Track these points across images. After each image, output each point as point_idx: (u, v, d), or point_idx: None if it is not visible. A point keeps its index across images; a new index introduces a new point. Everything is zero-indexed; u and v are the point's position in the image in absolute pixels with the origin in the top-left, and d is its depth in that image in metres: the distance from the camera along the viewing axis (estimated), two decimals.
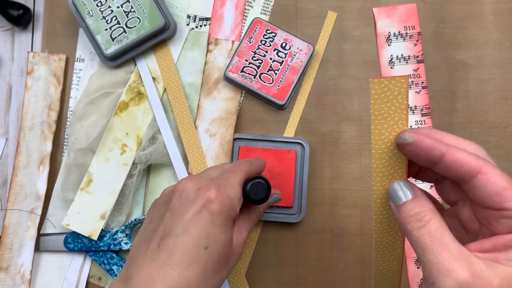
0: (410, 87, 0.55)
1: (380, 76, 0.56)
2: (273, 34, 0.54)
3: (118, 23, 0.53)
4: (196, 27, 0.56)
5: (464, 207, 0.31)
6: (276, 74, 0.54)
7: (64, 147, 0.54)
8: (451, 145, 0.28)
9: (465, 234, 0.31)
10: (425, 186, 0.53)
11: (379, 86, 0.29)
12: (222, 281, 0.36)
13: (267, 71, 0.54)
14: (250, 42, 0.54)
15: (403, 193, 0.30)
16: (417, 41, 0.56)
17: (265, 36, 0.54)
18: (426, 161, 0.29)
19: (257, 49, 0.54)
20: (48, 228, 0.52)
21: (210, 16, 0.56)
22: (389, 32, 0.56)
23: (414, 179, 0.34)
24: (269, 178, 0.52)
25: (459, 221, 0.31)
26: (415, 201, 0.29)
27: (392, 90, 0.29)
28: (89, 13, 0.53)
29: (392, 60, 0.56)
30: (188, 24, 0.56)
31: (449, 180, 0.32)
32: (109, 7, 0.53)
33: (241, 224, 0.39)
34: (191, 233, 0.34)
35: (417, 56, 0.55)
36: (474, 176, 0.27)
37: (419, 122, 0.54)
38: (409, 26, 0.56)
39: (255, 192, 0.38)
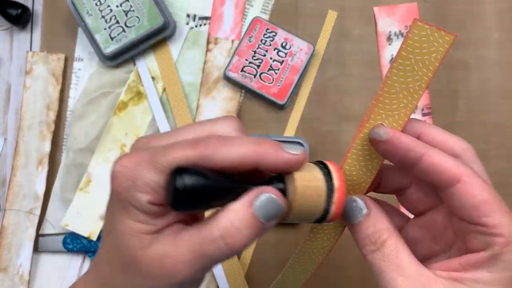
0: None
1: (382, 75, 0.55)
2: (273, 34, 0.54)
3: (117, 22, 0.52)
4: (196, 26, 0.56)
5: (437, 215, 0.28)
6: (276, 73, 0.53)
7: (63, 147, 0.54)
8: (433, 145, 0.26)
9: (434, 245, 0.28)
10: None
11: (419, 32, 0.25)
12: None
13: (267, 71, 0.53)
14: (250, 42, 0.54)
15: (359, 209, 0.27)
16: None
17: (265, 36, 0.54)
18: (401, 163, 0.26)
19: (257, 49, 0.54)
20: (47, 229, 0.52)
21: (209, 15, 0.56)
22: (390, 31, 0.56)
23: (373, 192, 0.31)
24: None
25: (429, 231, 0.29)
26: (369, 219, 0.26)
27: (431, 43, 0.25)
28: (88, 12, 0.52)
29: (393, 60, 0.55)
30: (187, 23, 0.56)
31: (414, 190, 0.29)
32: (108, 6, 0.52)
33: (181, 234, 0.25)
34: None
35: None
36: (453, 184, 0.24)
37: None
38: (410, 25, 0.56)
39: (168, 188, 0.23)
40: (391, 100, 0.26)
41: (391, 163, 0.29)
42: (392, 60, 0.25)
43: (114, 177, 0.25)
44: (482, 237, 0.24)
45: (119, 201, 0.25)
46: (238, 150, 0.24)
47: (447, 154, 0.25)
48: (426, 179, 0.26)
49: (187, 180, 0.22)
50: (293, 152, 0.25)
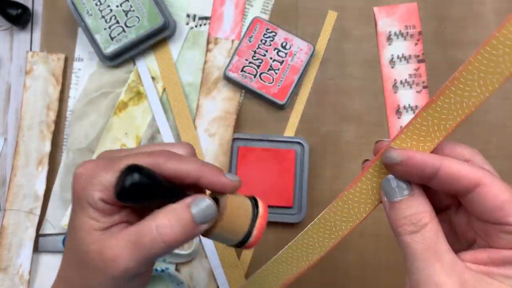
0: (411, 87, 0.55)
1: (382, 75, 0.55)
2: (273, 34, 0.54)
3: (117, 22, 0.52)
4: (196, 26, 0.56)
5: (458, 214, 0.28)
6: (276, 73, 0.53)
7: (63, 147, 0.54)
8: (445, 155, 0.26)
9: (456, 241, 0.28)
10: None
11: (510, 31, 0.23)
12: (92, 287, 0.28)
13: (267, 71, 0.53)
14: (250, 42, 0.54)
15: (400, 188, 0.26)
16: (418, 40, 0.55)
17: (265, 36, 0.54)
18: (420, 179, 0.26)
19: (257, 49, 0.54)
20: (47, 229, 0.52)
21: (209, 15, 0.56)
22: (389, 32, 0.56)
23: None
24: (269, 178, 0.52)
25: (451, 227, 0.29)
26: (412, 200, 0.26)
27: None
28: (88, 12, 0.52)
29: (393, 60, 0.55)
30: (187, 23, 0.56)
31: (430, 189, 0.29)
32: (108, 6, 0.52)
33: (124, 230, 0.28)
34: None
35: (418, 56, 0.55)
36: (473, 189, 0.24)
37: None
38: (410, 26, 0.56)
39: (119, 181, 0.26)
40: (463, 90, 0.25)
41: None
42: (479, 46, 0.24)
43: (74, 177, 0.28)
44: (508, 236, 0.24)
45: (77, 199, 0.28)
46: (186, 165, 0.28)
47: (461, 161, 0.25)
48: (445, 189, 0.26)
49: (136, 176, 0.25)
50: (231, 178, 0.29)
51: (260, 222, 0.30)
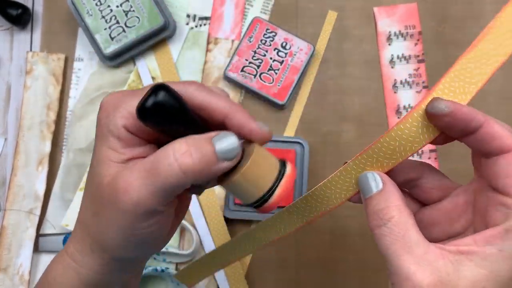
0: (411, 87, 0.55)
1: (382, 75, 0.55)
2: (273, 34, 0.54)
3: (118, 22, 0.52)
4: (196, 26, 0.56)
5: (457, 197, 0.29)
6: (276, 73, 0.53)
7: (63, 147, 0.54)
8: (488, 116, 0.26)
9: (449, 228, 0.29)
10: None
11: None
12: (108, 228, 0.26)
13: (267, 71, 0.53)
14: (250, 42, 0.54)
15: (375, 184, 0.27)
16: (418, 40, 0.56)
17: (265, 36, 0.54)
18: (462, 132, 0.26)
19: (257, 49, 0.54)
20: (47, 229, 0.52)
21: (209, 15, 0.56)
22: (389, 32, 0.56)
23: None
24: None
25: (445, 215, 0.29)
26: (381, 195, 0.27)
27: None
28: (88, 12, 0.52)
29: (393, 60, 0.55)
30: (187, 24, 0.56)
31: (427, 179, 0.30)
32: (109, 6, 0.52)
33: (137, 161, 0.25)
34: None
35: (418, 56, 0.55)
36: (503, 152, 0.25)
37: None
38: (409, 26, 0.56)
39: (144, 99, 0.24)
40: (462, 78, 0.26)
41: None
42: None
43: (100, 106, 0.27)
44: (504, 209, 0.24)
45: (99, 128, 0.26)
46: (216, 99, 0.26)
47: (502, 123, 0.26)
48: (478, 145, 0.26)
49: (161, 94, 0.23)
50: (261, 126, 0.27)
51: (286, 181, 0.26)
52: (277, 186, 0.26)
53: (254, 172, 0.26)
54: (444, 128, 0.26)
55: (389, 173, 0.30)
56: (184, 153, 0.24)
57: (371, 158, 0.28)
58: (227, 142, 0.25)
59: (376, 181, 0.27)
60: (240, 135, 0.26)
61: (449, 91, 0.27)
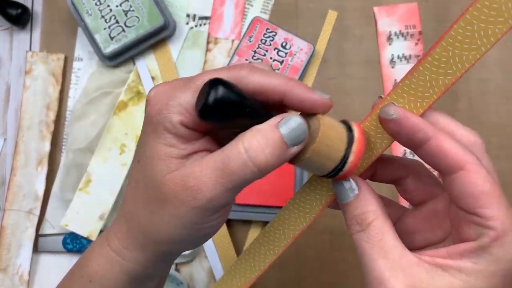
0: None
1: (382, 75, 0.55)
2: (273, 33, 0.54)
3: (117, 22, 0.52)
4: (196, 26, 0.56)
5: (436, 204, 0.28)
6: None
7: (63, 147, 0.54)
8: (443, 131, 0.25)
9: (431, 235, 0.28)
10: None
11: None
12: (169, 223, 0.26)
13: None
14: (250, 41, 0.54)
15: (351, 189, 0.26)
16: (418, 40, 0.55)
17: (265, 35, 0.54)
18: (408, 143, 0.25)
19: (257, 48, 0.54)
20: (47, 229, 0.52)
21: (209, 15, 0.56)
22: (390, 31, 0.56)
23: (369, 180, 0.31)
24: (269, 178, 0.51)
25: (427, 221, 0.29)
26: (357, 200, 0.26)
27: (499, 12, 0.23)
28: (87, 12, 0.52)
29: (393, 60, 0.55)
30: (187, 23, 0.56)
31: (412, 180, 0.29)
32: (108, 6, 0.52)
33: (207, 157, 0.25)
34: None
35: (418, 56, 0.55)
36: (456, 171, 0.24)
37: None
38: (410, 25, 0.56)
39: (200, 97, 0.24)
40: (427, 75, 0.25)
41: (385, 154, 0.29)
42: (450, 26, 0.24)
43: (148, 100, 0.26)
44: (476, 227, 0.24)
45: (151, 124, 0.25)
46: (271, 78, 0.25)
47: (455, 141, 0.24)
48: (430, 162, 0.25)
49: (220, 90, 0.23)
50: (322, 95, 0.26)
51: (357, 146, 0.26)
52: (349, 153, 0.25)
53: (325, 146, 0.25)
54: (392, 134, 0.26)
55: (378, 170, 0.30)
56: (256, 150, 0.24)
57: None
58: (293, 126, 0.24)
59: (352, 186, 0.27)
60: (302, 110, 0.26)
61: (408, 94, 0.26)
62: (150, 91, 0.26)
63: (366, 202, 0.26)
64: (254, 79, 0.25)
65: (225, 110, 0.23)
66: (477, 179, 0.24)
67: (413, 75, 0.25)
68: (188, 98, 0.25)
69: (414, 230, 0.29)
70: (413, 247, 0.26)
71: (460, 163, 0.24)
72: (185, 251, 0.32)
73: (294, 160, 0.26)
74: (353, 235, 0.26)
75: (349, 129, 0.26)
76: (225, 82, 0.23)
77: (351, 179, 0.27)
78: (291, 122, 0.24)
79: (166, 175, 0.25)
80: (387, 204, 0.30)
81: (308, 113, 0.26)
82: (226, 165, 0.24)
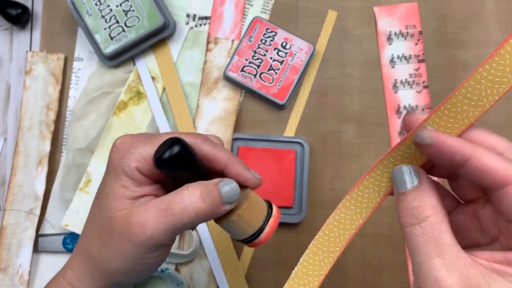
0: (411, 87, 0.55)
1: (382, 75, 0.55)
2: (273, 33, 0.54)
3: (117, 22, 0.52)
4: (196, 26, 0.56)
5: (484, 208, 0.27)
6: (276, 73, 0.53)
7: (63, 147, 0.54)
8: (478, 145, 0.24)
9: (479, 236, 0.28)
10: None
11: None
12: (115, 257, 0.29)
13: (267, 71, 0.53)
14: (250, 41, 0.54)
15: (410, 179, 0.26)
16: (418, 40, 0.55)
17: (265, 35, 0.54)
18: (448, 165, 0.25)
19: (257, 48, 0.54)
20: (47, 229, 0.52)
21: (209, 15, 0.56)
22: (390, 31, 0.56)
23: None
24: (269, 178, 0.52)
25: (476, 220, 0.28)
26: (417, 192, 0.25)
27: None
28: (88, 12, 0.52)
29: (393, 60, 0.55)
30: (187, 23, 0.56)
31: (466, 172, 0.28)
32: (108, 6, 0.52)
33: (154, 200, 0.29)
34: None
35: (418, 56, 0.55)
36: (502, 187, 0.23)
37: None
38: (410, 25, 0.56)
39: (160, 149, 0.29)
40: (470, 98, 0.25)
41: None
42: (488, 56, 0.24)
43: (114, 146, 0.30)
44: None
45: (112, 168, 0.30)
46: (219, 151, 0.31)
47: (495, 155, 0.24)
48: (474, 181, 0.25)
49: (176, 148, 0.28)
50: (255, 176, 0.32)
51: (272, 221, 0.32)
52: (266, 225, 0.31)
53: (249, 214, 0.31)
54: (430, 157, 0.26)
55: (434, 163, 0.29)
56: (198, 198, 0.28)
57: (400, 154, 0.27)
58: (230, 188, 0.30)
59: (411, 176, 0.26)
60: (237, 182, 0.31)
61: (440, 120, 0.26)
62: (117, 139, 0.31)
63: (425, 194, 0.25)
64: (206, 148, 0.31)
65: (176, 164, 0.28)
66: None
67: (451, 101, 0.26)
68: (148, 150, 0.30)
69: (463, 227, 0.28)
70: (460, 244, 0.25)
71: (506, 180, 0.23)
72: (134, 282, 0.34)
73: (221, 220, 0.31)
74: (405, 228, 0.25)
75: (270, 207, 0.32)
76: (184, 143, 0.29)
77: (412, 169, 0.26)
78: (230, 185, 0.30)
79: (116, 212, 0.29)
80: (444, 195, 0.30)
81: (241, 186, 0.31)
82: (169, 206, 0.28)
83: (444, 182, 0.31)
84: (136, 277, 0.32)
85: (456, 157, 0.24)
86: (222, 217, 0.31)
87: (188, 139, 0.30)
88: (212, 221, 0.53)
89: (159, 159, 0.28)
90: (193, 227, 0.30)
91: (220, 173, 0.31)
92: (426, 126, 0.25)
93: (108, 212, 0.29)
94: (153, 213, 0.28)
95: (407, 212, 0.25)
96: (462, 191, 0.29)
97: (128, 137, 0.31)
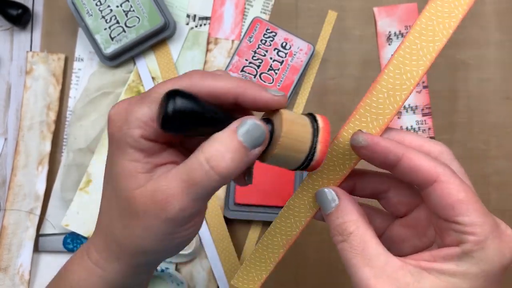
0: None
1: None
2: (273, 34, 0.54)
3: (118, 22, 0.52)
4: (196, 26, 0.56)
5: (419, 212, 0.29)
6: (276, 73, 0.53)
7: (63, 147, 0.54)
8: (412, 148, 0.26)
9: (418, 242, 0.29)
10: None
11: None
12: (143, 237, 0.26)
13: (267, 71, 0.53)
14: (250, 42, 0.54)
15: (332, 199, 0.28)
16: None
17: (265, 36, 0.54)
18: (382, 165, 0.27)
19: (257, 49, 0.54)
20: (47, 229, 0.52)
21: (209, 15, 0.56)
22: (389, 32, 0.56)
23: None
24: (269, 177, 0.52)
25: (412, 229, 0.29)
26: (337, 211, 0.27)
27: (451, 7, 0.26)
28: (88, 12, 0.52)
29: None
30: (187, 24, 0.56)
31: (394, 194, 0.30)
32: (109, 6, 0.52)
33: (172, 170, 0.25)
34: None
35: None
36: (430, 184, 0.25)
37: (419, 122, 0.54)
38: (409, 26, 0.56)
39: (160, 110, 0.24)
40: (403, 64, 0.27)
41: (365, 169, 0.31)
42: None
43: (109, 119, 0.26)
44: (456, 234, 0.25)
45: (114, 142, 0.26)
46: (222, 82, 0.26)
47: (425, 155, 0.26)
48: (405, 179, 0.27)
49: (178, 101, 0.23)
50: (274, 94, 0.26)
51: (322, 135, 0.26)
52: (316, 141, 0.26)
53: (290, 140, 0.25)
54: (365, 158, 0.27)
55: (357, 185, 0.31)
56: (216, 159, 0.24)
57: (319, 174, 0.29)
58: (251, 129, 0.25)
59: (332, 197, 0.28)
60: (257, 109, 0.27)
61: (360, 122, 0.28)
62: (111, 109, 0.27)
63: (346, 212, 0.27)
64: (205, 84, 0.25)
65: (185, 119, 0.24)
66: (451, 189, 0.25)
67: (373, 93, 0.28)
68: (144, 111, 0.25)
69: (402, 238, 0.30)
70: (402, 254, 0.27)
71: (433, 176, 0.25)
72: (162, 260, 0.32)
73: (263, 157, 0.26)
74: (336, 245, 0.27)
75: (314, 120, 0.27)
76: (182, 92, 0.24)
77: (330, 190, 0.28)
78: (248, 125, 0.25)
79: (134, 191, 0.25)
80: (376, 213, 0.32)
81: (270, 111, 0.27)
82: (190, 176, 0.24)
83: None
84: (167, 254, 0.29)
85: (390, 157, 0.26)
86: (262, 154, 0.26)
87: (183, 83, 0.25)
88: (212, 221, 0.52)
89: (163, 121, 0.23)
90: (226, 183, 0.26)
91: (234, 108, 0.27)
92: (361, 130, 0.28)
93: (125, 193, 0.26)
94: (176, 186, 0.25)
95: (335, 231, 0.27)
96: (392, 207, 0.30)
97: (121, 104, 0.26)
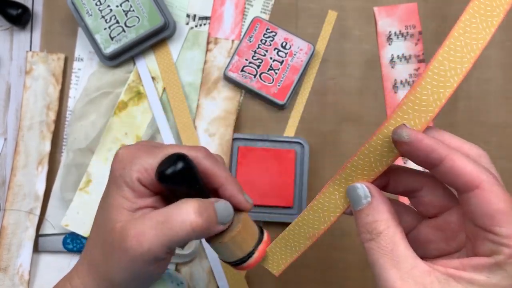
0: (411, 87, 0.55)
1: (382, 75, 0.55)
2: (273, 33, 0.54)
3: (117, 22, 0.52)
4: (196, 26, 0.56)
5: (451, 216, 0.28)
6: (276, 73, 0.53)
7: (63, 147, 0.54)
8: (454, 149, 0.25)
9: (445, 246, 0.29)
10: None
11: None
12: (116, 269, 0.29)
13: (267, 71, 0.53)
14: (250, 41, 0.54)
15: (364, 196, 0.27)
16: (418, 40, 0.55)
17: (265, 35, 0.54)
18: (422, 163, 0.26)
19: (257, 48, 0.54)
20: (47, 229, 0.52)
21: (209, 15, 0.56)
22: (389, 31, 0.56)
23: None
24: (269, 178, 0.52)
25: (440, 232, 0.29)
26: (369, 208, 0.27)
27: (493, 6, 0.26)
28: (88, 12, 0.52)
29: (393, 60, 0.55)
30: (187, 23, 0.56)
31: (426, 193, 0.29)
32: (108, 6, 0.52)
33: (151, 213, 0.29)
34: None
35: (418, 56, 0.55)
36: (472, 189, 0.24)
37: None
38: (410, 25, 0.56)
39: (163, 163, 0.29)
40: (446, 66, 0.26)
41: (400, 165, 0.30)
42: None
43: (116, 156, 0.31)
44: (491, 244, 0.24)
45: (114, 178, 0.30)
46: (218, 168, 0.31)
47: (469, 159, 0.25)
48: (446, 181, 0.26)
49: (179, 165, 0.28)
50: (247, 199, 0.32)
51: (262, 246, 0.32)
52: (256, 249, 0.32)
53: (241, 237, 0.31)
54: (406, 155, 0.26)
55: (390, 182, 0.30)
56: (195, 213, 0.28)
57: (353, 169, 0.29)
58: (226, 209, 0.30)
59: (365, 193, 0.27)
60: (229, 201, 0.32)
61: (401, 119, 0.27)
62: (119, 149, 0.31)
63: (378, 210, 0.27)
64: (205, 163, 0.31)
65: (179, 180, 0.28)
66: (492, 197, 0.24)
67: (417, 90, 0.26)
68: (150, 161, 0.29)
69: (429, 240, 0.29)
70: (427, 256, 0.27)
71: (475, 182, 0.24)
72: None
73: (213, 240, 0.31)
74: (363, 243, 0.27)
75: (261, 232, 0.33)
76: (188, 160, 0.29)
77: (363, 186, 0.28)
78: (224, 204, 0.30)
79: (116, 224, 0.29)
80: (405, 211, 0.31)
81: (236, 208, 0.32)
82: (167, 219, 0.28)
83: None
84: (141, 285, 0.32)
85: (433, 156, 0.25)
86: (214, 238, 0.31)
87: (190, 153, 0.30)
88: None
89: (162, 174, 0.28)
90: (186, 243, 0.31)
91: (215, 191, 0.32)
92: (405, 124, 0.27)
93: (109, 223, 0.29)
94: (150, 226, 0.28)
95: (363, 229, 0.27)
96: (423, 207, 0.30)
97: (130, 147, 0.31)
